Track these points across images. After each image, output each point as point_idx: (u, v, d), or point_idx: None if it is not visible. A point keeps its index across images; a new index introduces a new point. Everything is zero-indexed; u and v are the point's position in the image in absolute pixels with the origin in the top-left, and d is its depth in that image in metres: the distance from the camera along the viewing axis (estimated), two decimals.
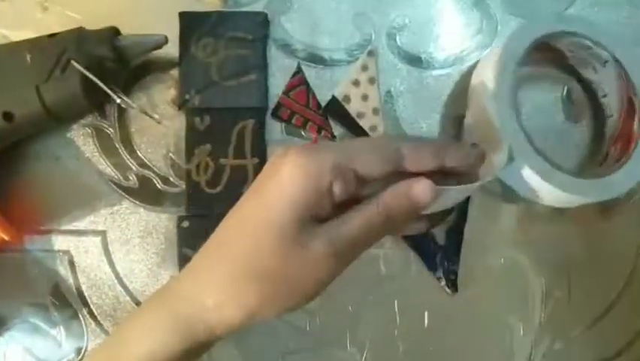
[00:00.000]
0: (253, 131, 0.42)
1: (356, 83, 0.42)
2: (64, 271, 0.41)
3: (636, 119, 0.37)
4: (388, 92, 0.43)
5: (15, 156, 0.42)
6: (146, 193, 0.42)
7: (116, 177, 0.42)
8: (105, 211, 0.42)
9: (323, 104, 0.42)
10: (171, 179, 0.42)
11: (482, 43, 0.43)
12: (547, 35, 0.36)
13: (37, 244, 0.41)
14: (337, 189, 0.25)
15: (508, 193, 0.41)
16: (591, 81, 0.41)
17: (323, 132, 0.42)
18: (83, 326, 0.41)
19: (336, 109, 0.42)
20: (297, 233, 0.24)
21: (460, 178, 0.29)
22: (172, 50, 0.41)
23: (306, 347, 0.41)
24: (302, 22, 0.43)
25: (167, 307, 0.26)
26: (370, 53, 0.43)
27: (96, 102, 0.40)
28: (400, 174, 0.26)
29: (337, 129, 0.42)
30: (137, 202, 0.42)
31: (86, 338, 0.41)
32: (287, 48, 0.43)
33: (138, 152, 0.42)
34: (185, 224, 0.41)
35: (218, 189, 0.41)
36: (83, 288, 0.42)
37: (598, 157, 0.41)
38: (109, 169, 0.42)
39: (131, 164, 0.42)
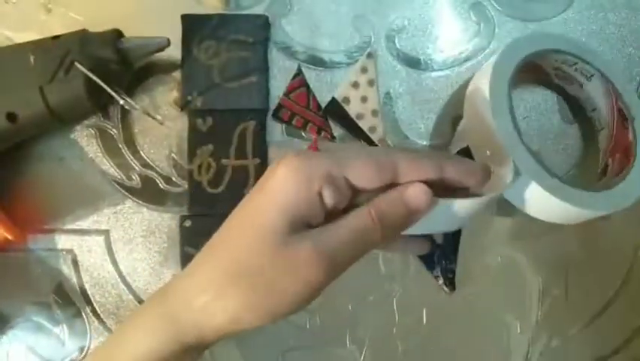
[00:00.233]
0: (254, 133, 0.42)
1: (355, 84, 0.43)
2: (67, 270, 0.42)
3: (630, 128, 0.37)
4: (387, 93, 0.43)
5: (19, 156, 0.42)
6: (148, 193, 0.42)
7: (119, 177, 0.42)
8: (108, 211, 0.42)
9: (323, 105, 0.43)
10: (174, 179, 0.42)
11: (480, 45, 0.44)
12: (533, 54, 0.36)
13: (40, 243, 0.42)
14: (327, 195, 0.24)
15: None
16: (578, 97, 0.41)
17: (323, 133, 0.43)
18: (86, 324, 0.42)
19: (335, 110, 0.43)
20: (285, 236, 0.23)
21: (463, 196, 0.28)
22: (174, 52, 0.42)
23: (306, 344, 0.42)
24: (302, 25, 0.44)
25: (163, 307, 0.26)
26: (369, 55, 0.43)
27: (99, 103, 0.40)
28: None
29: (337, 130, 0.43)
30: (140, 202, 0.42)
31: (89, 336, 0.42)
32: (287, 50, 0.43)
33: (141, 152, 0.42)
34: (188, 223, 0.41)
35: (220, 189, 0.41)
36: (87, 287, 0.42)
37: (596, 169, 0.40)
38: (112, 169, 0.42)
39: (134, 164, 0.42)
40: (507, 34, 0.44)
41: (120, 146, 0.42)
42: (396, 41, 0.44)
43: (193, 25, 0.42)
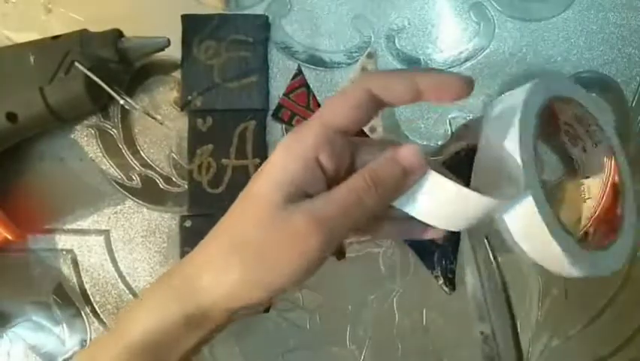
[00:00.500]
0: (254, 133, 0.42)
1: None
2: (67, 270, 0.42)
3: (619, 204, 0.35)
4: None
5: (19, 156, 0.42)
6: (148, 193, 0.42)
7: (119, 177, 0.42)
8: (108, 211, 0.42)
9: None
10: (174, 179, 0.42)
11: (480, 45, 0.44)
12: (561, 96, 0.34)
13: (40, 243, 0.42)
14: (324, 160, 0.24)
15: None
16: (576, 160, 0.39)
17: None
18: (86, 324, 0.42)
19: None
20: (281, 207, 0.23)
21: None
22: (174, 52, 0.42)
23: (306, 344, 0.42)
24: (302, 25, 0.44)
25: (169, 285, 0.26)
26: (369, 55, 0.43)
27: (99, 103, 0.40)
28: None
29: None
30: (140, 202, 0.42)
31: (89, 336, 0.42)
32: (287, 50, 0.43)
33: (141, 152, 0.43)
34: (188, 223, 0.41)
35: (220, 189, 0.41)
36: (87, 287, 0.42)
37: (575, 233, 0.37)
38: (112, 169, 0.42)
39: (134, 164, 0.42)
40: (507, 35, 0.44)
41: (120, 146, 0.42)
42: (397, 41, 0.44)
43: (193, 25, 0.42)
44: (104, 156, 0.42)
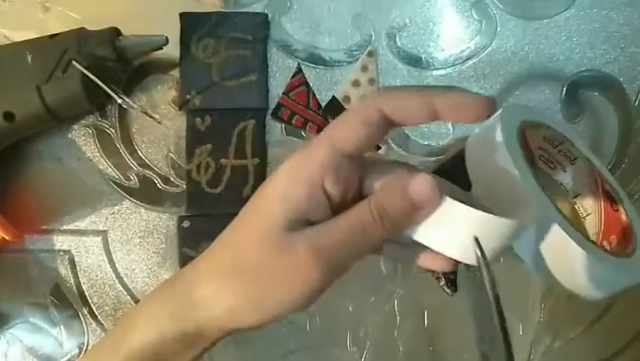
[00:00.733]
0: (253, 132, 0.42)
1: (356, 83, 0.43)
2: (65, 270, 0.42)
3: (620, 210, 0.34)
4: None
5: (16, 156, 0.42)
6: (146, 193, 0.42)
7: (116, 177, 0.42)
8: (106, 211, 0.42)
9: (323, 104, 0.43)
10: (172, 179, 0.42)
11: (482, 43, 0.43)
12: (529, 121, 0.32)
13: (38, 243, 0.42)
14: (330, 187, 0.23)
15: None
16: (560, 182, 0.38)
17: None
18: (84, 325, 0.41)
19: (336, 109, 0.42)
20: (284, 235, 0.23)
21: None
22: (173, 50, 0.41)
23: (306, 346, 0.41)
24: (302, 23, 0.43)
25: (168, 297, 0.26)
26: (370, 54, 0.43)
27: (97, 102, 0.40)
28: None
29: None
30: (138, 202, 0.42)
31: (86, 337, 0.41)
32: (287, 49, 0.43)
33: (139, 152, 0.42)
34: (186, 224, 0.41)
35: (219, 189, 0.41)
36: (84, 288, 0.42)
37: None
38: (110, 169, 0.42)
39: (131, 164, 0.42)
40: (509, 33, 0.43)
41: (118, 145, 0.42)
42: (397, 39, 0.43)
43: (191, 24, 0.42)
44: (102, 156, 0.42)
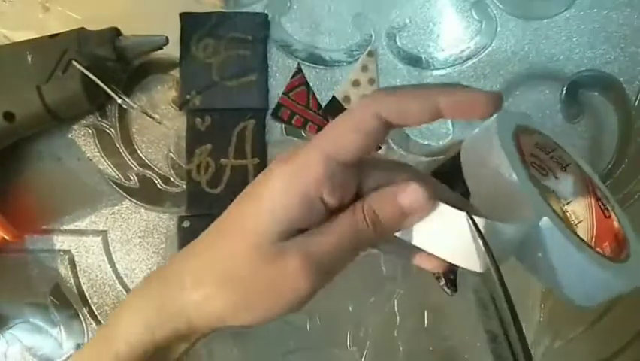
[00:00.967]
0: (253, 132, 0.42)
1: (356, 83, 0.43)
2: (64, 270, 0.42)
3: (612, 216, 0.34)
4: None
5: (16, 156, 0.42)
6: (146, 193, 0.42)
7: (116, 177, 0.42)
8: (106, 211, 0.42)
9: (323, 104, 0.43)
10: (172, 179, 0.42)
11: (482, 43, 0.43)
12: (523, 126, 0.32)
13: (38, 243, 0.42)
14: (327, 197, 0.23)
15: None
16: (552, 189, 0.38)
17: None
18: (84, 325, 0.41)
19: (336, 109, 0.42)
20: (274, 244, 0.23)
21: None
22: (173, 50, 0.41)
23: (306, 346, 0.41)
24: (302, 23, 0.43)
25: (156, 294, 0.25)
26: (370, 54, 0.43)
27: (97, 102, 0.40)
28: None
29: None
30: (138, 202, 0.42)
31: (86, 337, 0.41)
32: (287, 49, 0.43)
33: (139, 152, 0.42)
34: (186, 224, 0.41)
35: (219, 189, 0.41)
36: (84, 288, 0.42)
37: None
38: (110, 169, 0.42)
39: (131, 164, 0.42)
40: (509, 33, 0.43)
41: (118, 145, 0.42)
42: (398, 39, 0.43)
43: (192, 24, 0.42)
44: (102, 156, 0.42)
